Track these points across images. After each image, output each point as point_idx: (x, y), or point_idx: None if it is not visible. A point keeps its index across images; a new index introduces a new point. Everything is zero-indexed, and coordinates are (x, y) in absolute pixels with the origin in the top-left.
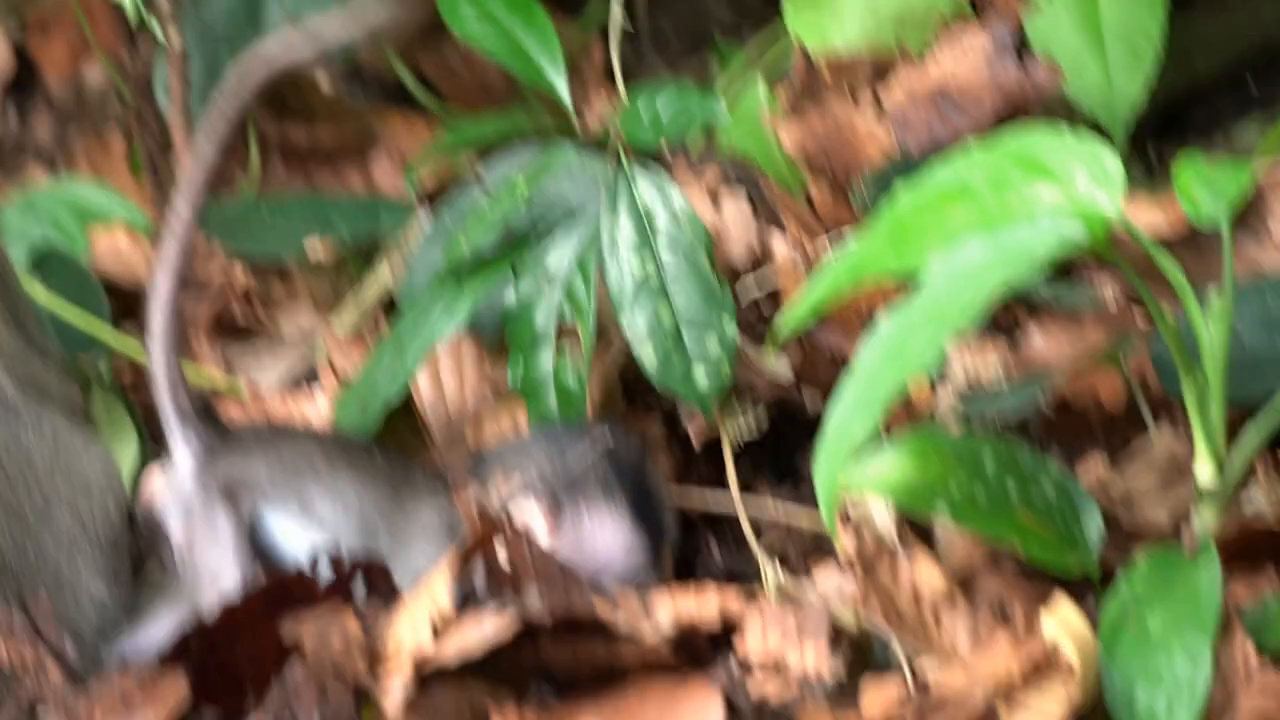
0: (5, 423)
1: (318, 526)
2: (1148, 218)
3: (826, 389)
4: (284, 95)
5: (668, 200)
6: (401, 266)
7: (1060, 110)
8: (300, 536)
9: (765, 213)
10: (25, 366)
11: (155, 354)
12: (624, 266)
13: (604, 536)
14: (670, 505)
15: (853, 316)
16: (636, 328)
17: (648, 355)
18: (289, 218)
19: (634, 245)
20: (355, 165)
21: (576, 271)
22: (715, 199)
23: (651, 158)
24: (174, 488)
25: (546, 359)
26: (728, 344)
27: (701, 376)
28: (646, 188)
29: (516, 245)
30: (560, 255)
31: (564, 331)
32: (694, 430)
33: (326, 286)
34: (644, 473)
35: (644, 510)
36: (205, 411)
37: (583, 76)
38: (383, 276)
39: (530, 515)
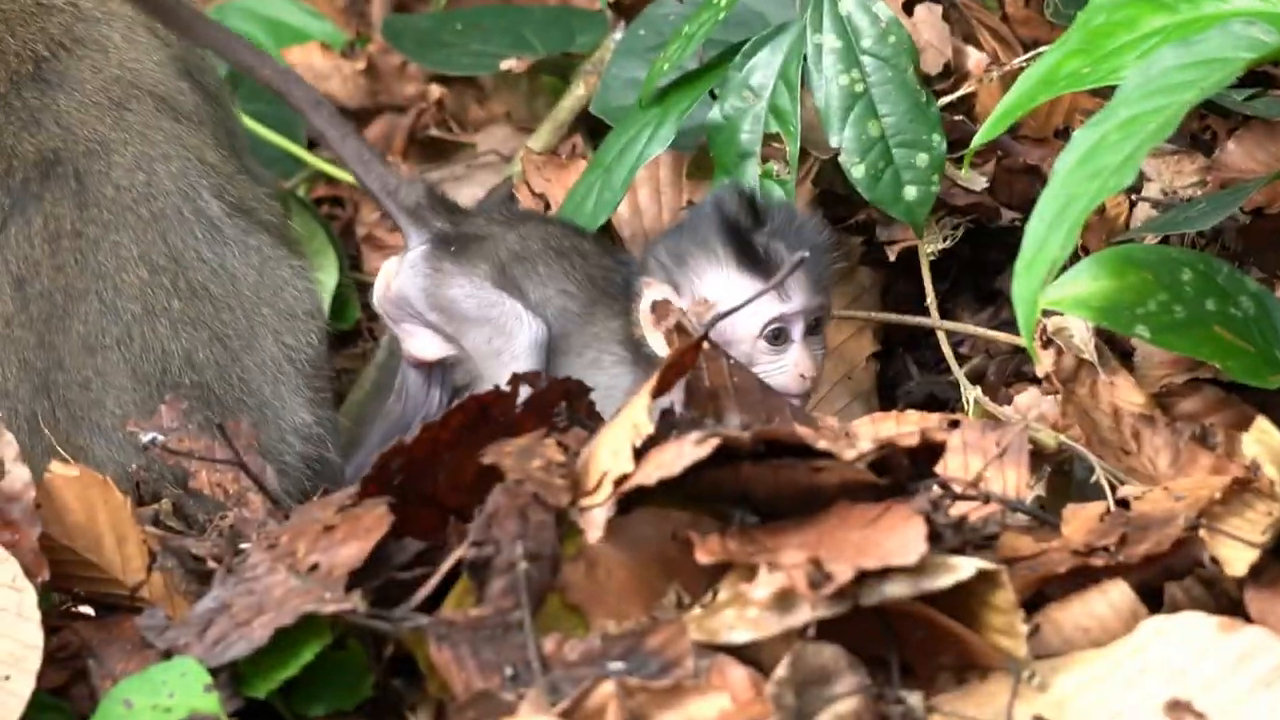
0: (213, 246)
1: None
2: None
3: (1023, 205)
4: None
5: (872, 12)
6: (596, 82)
7: None
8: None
9: (959, 24)
10: (236, 190)
11: (356, 162)
12: (830, 80)
13: (715, 292)
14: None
15: (1048, 130)
16: (847, 142)
17: (858, 170)
18: (482, 30)
19: (840, 58)
20: None
21: (782, 86)
22: (909, 10)
23: None
24: (410, 276)
25: (752, 174)
26: (936, 158)
27: (911, 191)
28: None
29: (717, 61)
30: (763, 70)
31: (768, 147)
32: (890, 245)
33: (521, 103)
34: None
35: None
36: (431, 200)
37: None
38: (578, 93)
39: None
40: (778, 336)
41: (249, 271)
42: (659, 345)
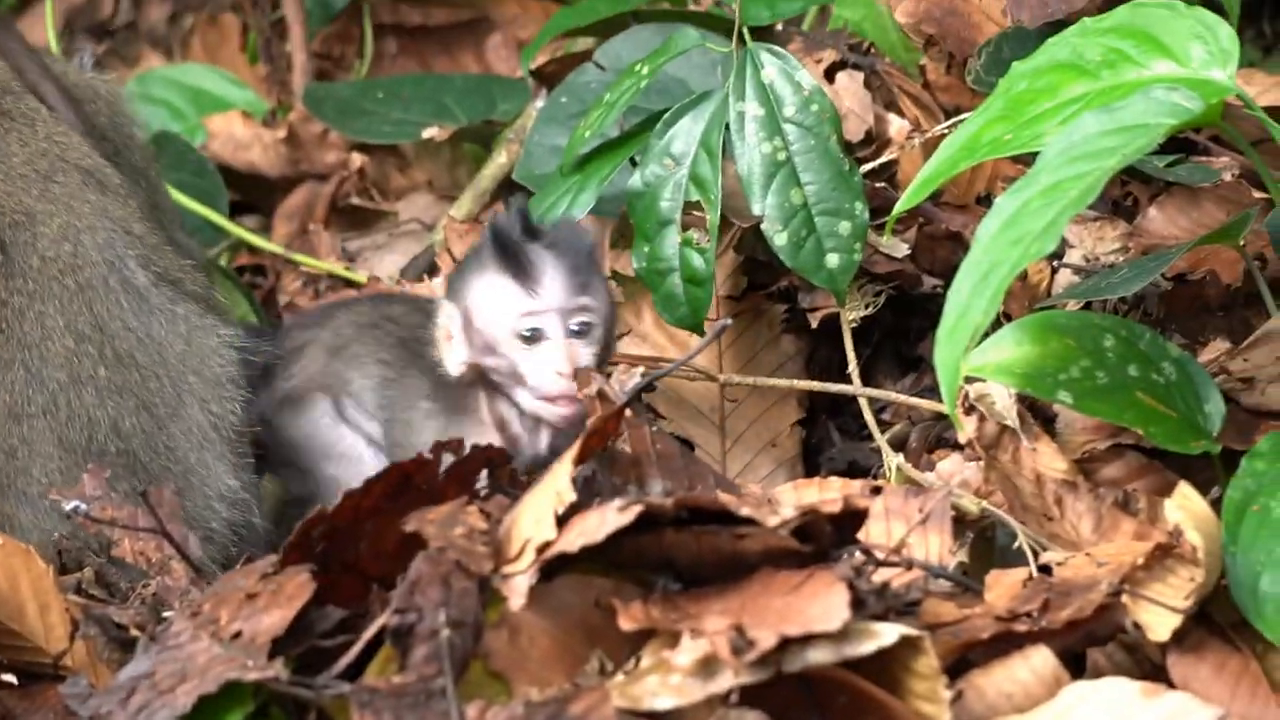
0: (139, 315)
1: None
2: (1264, 95)
3: (945, 272)
4: None
5: (794, 80)
6: (519, 150)
7: None
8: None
9: (880, 91)
10: (162, 260)
11: None
12: (753, 149)
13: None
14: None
15: (970, 197)
16: (769, 210)
17: (780, 238)
18: (403, 99)
19: (762, 126)
20: (469, 47)
21: (703, 154)
22: (831, 78)
23: (767, 36)
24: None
25: (672, 242)
26: (858, 226)
27: (833, 259)
28: (771, 67)
29: (638, 129)
30: (685, 138)
31: (688, 215)
32: (813, 312)
33: (443, 171)
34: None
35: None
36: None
37: None
38: (500, 160)
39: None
40: (532, 335)
41: (175, 340)
42: (450, 362)
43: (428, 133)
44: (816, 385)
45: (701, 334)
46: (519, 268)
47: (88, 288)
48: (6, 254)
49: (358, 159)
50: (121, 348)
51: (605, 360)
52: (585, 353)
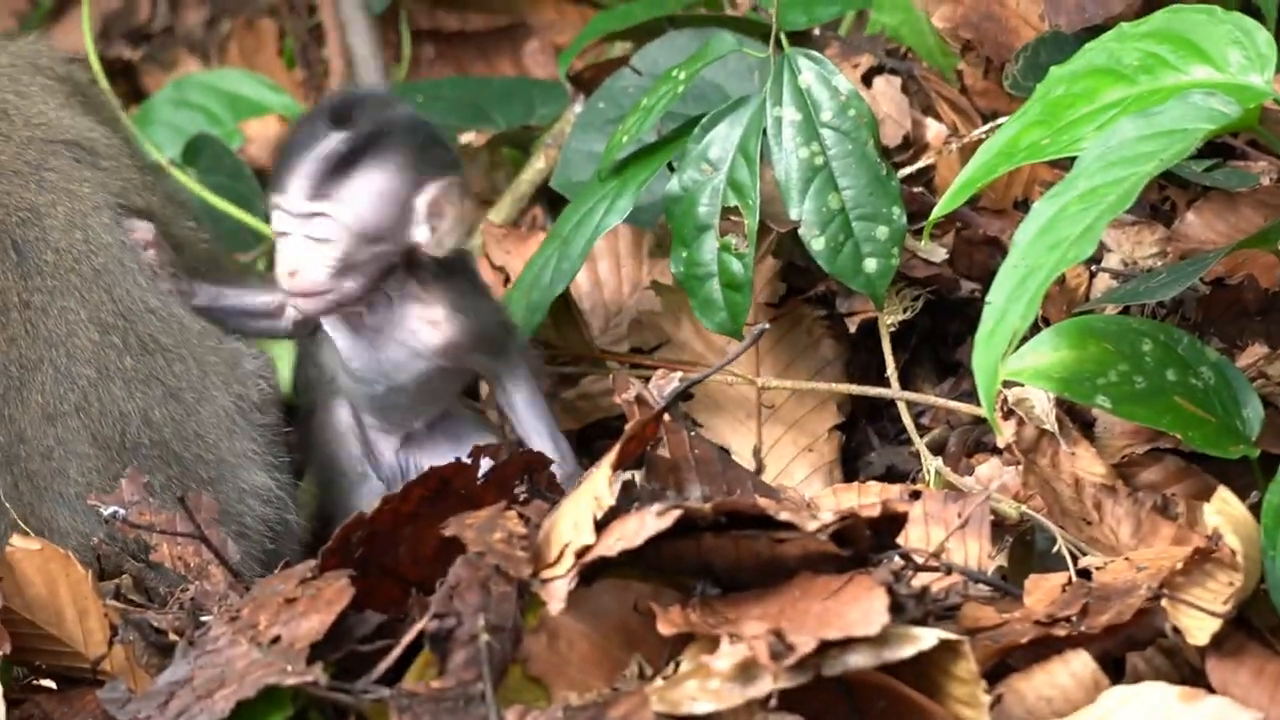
0: (157, 293)
1: None
2: None
3: (982, 276)
4: None
5: (832, 85)
6: (556, 155)
7: None
8: None
9: (917, 96)
10: (171, 231)
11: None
12: (790, 153)
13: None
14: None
15: (1007, 201)
16: (806, 215)
17: (818, 243)
18: (442, 103)
19: (799, 131)
20: (507, 51)
21: (740, 159)
22: (869, 82)
23: (804, 41)
24: None
25: (710, 247)
26: (896, 231)
27: (871, 264)
28: (809, 72)
29: (676, 134)
30: (722, 143)
31: (726, 220)
32: (850, 317)
33: (481, 176)
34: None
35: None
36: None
37: None
38: (537, 166)
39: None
40: (278, 231)
41: (194, 318)
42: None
43: (465, 138)
44: (854, 389)
45: (740, 339)
46: (279, 159)
47: (105, 273)
48: (20, 253)
49: None
50: (145, 332)
51: (367, 278)
52: (311, 258)
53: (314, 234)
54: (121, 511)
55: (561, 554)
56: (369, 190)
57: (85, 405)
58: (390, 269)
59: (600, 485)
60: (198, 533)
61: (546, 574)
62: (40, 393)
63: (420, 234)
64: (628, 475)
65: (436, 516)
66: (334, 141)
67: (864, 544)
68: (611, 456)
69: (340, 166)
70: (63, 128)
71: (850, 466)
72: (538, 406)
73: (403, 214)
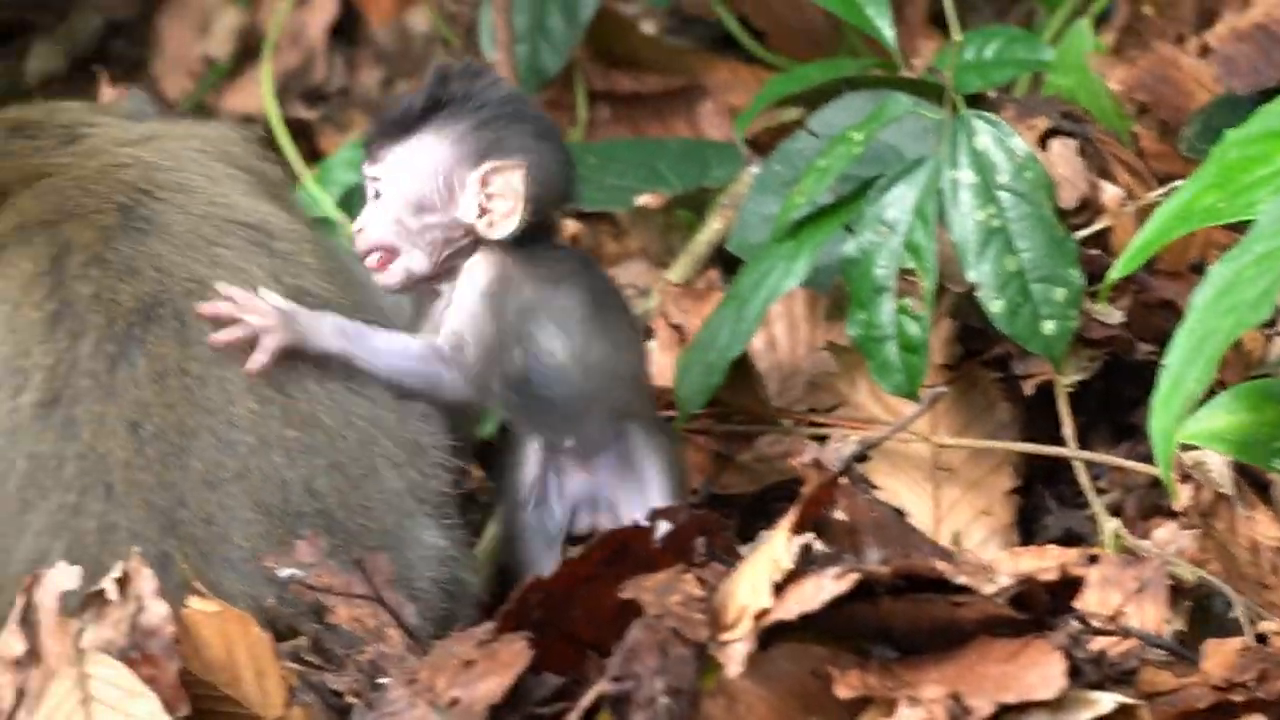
0: (321, 378)
1: None
2: None
3: (1159, 339)
4: (610, 42)
5: (1008, 147)
6: (732, 216)
7: None
8: None
9: (1093, 158)
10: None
11: None
12: (966, 216)
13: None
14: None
15: (1183, 264)
16: (984, 277)
17: (996, 305)
18: (617, 165)
19: (976, 194)
20: (682, 113)
21: (917, 221)
22: (1044, 145)
23: (980, 103)
24: None
25: (888, 309)
26: (1074, 293)
27: (1049, 326)
28: (985, 134)
29: (852, 196)
30: (898, 205)
31: (902, 281)
32: (1027, 379)
33: (656, 238)
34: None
35: None
36: None
37: (906, 20)
38: (714, 227)
39: None
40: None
41: (361, 402)
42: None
43: (641, 200)
44: (1030, 447)
45: (917, 401)
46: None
47: None
48: (183, 321)
49: (571, 225)
50: (305, 409)
51: (428, 251)
52: (372, 217)
53: (374, 193)
54: (298, 574)
55: (739, 617)
56: (417, 158)
57: (246, 472)
58: (458, 249)
59: (778, 549)
60: (375, 595)
61: (724, 637)
62: (200, 459)
63: (469, 212)
64: (805, 538)
65: (614, 578)
66: (405, 105)
67: (1042, 608)
68: (789, 520)
69: (400, 131)
70: (242, 210)
71: (1027, 529)
72: None
73: (452, 187)
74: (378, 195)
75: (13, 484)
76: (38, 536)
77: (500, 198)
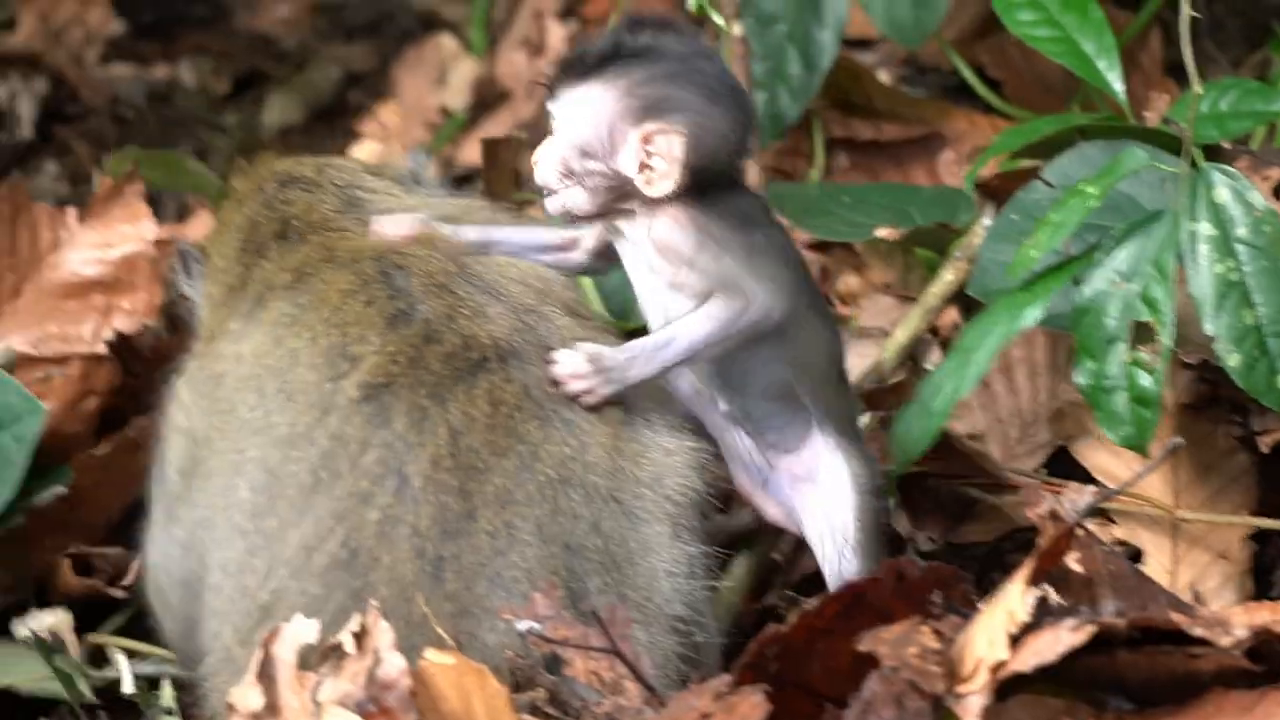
0: (559, 427)
1: None
2: None
3: None
4: (847, 90)
5: (1247, 201)
6: (965, 268)
7: None
8: None
9: None
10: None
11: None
12: (1204, 269)
13: None
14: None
15: None
16: (1221, 331)
17: (1232, 359)
18: (866, 207)
19: (1214, 247)
20: (921, 161)
21: (1154, 273)
22: (1278, 196)
23: (1214, 154)
24: None
25: (1117, 360)
26: None
27: None
28: (1223, 188)
29: (1087, 248)
30: (1133, 256)
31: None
32: (1263, 435)
33: (898, 275)
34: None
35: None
36: None
37: (1140, 69)
38: (947, 278)
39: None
40: None
41: (646, 462)
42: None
43: (880, 232)
44: (1265, 522)
45: (1146, 455)
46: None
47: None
48: (527, 373)
49: (812, 259)
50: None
51: (592, 193)
52: (543, 151)
53: (550, 128)
54: (536, 626)
55: (976, 669)
56: (585, 104)
57: (539, 498)
58: (621, 195)
59: (1015, 601)
60: (612, 647)
61: (961, 689)
62: (501, 476)
63: (628, 166)
64: (1041, 590)
65: (850, 631)
66: (587, 49)
67: (1278, 660)
68: (1026, 572)
69: (577, 74)
70: (560, 285)
71: (1263, 579)
72: None
73: (614, 139)
74: (550, 129)
75: (308, 461)
76: (319, 520)
77: (660, 157)
